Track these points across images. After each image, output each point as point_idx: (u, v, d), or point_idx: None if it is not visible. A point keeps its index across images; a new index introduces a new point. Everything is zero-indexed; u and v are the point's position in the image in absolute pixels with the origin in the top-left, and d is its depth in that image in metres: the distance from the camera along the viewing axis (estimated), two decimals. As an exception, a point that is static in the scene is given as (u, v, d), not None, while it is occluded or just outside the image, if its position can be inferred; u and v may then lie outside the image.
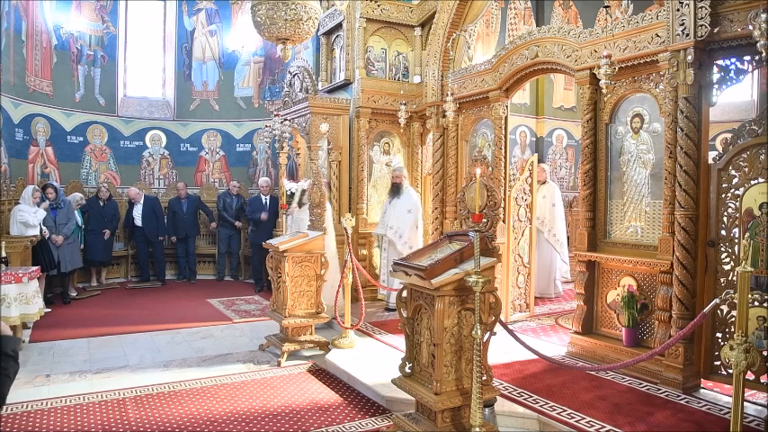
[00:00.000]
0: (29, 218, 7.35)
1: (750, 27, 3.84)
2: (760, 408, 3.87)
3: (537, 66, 5.77)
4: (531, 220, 6.85)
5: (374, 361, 5.17)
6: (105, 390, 4.66)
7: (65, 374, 5.02)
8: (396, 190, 7.19)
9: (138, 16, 11.24)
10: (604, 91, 4.82)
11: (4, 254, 5.62)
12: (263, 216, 9.20)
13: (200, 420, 4.11)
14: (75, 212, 8.94)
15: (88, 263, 9.34)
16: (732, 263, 4.18)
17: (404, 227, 7.01)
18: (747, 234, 4.03)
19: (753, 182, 4.06)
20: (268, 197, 9.39)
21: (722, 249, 4.25)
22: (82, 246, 8.95)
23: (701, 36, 4.10)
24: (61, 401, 4.42)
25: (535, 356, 3.84)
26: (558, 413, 3.85)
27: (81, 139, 10.43)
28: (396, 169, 7.35)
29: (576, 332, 5.23)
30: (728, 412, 3.62)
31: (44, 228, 7.61)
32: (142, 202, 9.81)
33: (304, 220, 6.32)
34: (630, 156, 4.96)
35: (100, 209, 9.33)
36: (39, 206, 7.66)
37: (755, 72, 6.06)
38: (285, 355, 5.43)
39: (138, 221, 9.79)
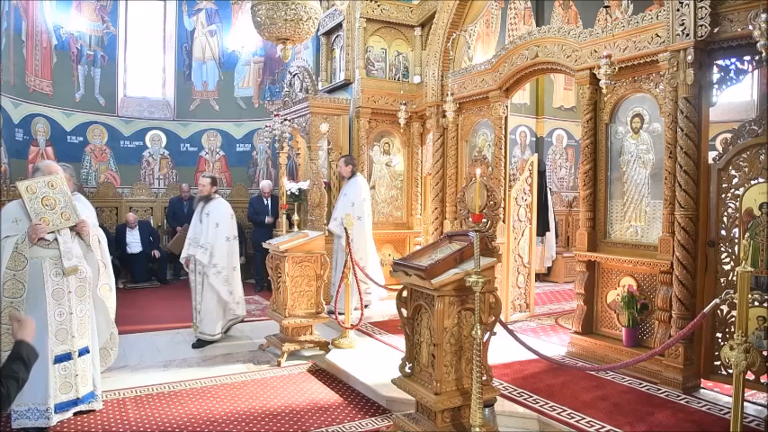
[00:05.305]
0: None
1: (750, 27, 3.84)
2: (760, 408, 3.87)
3: (537, 66, 5.77)
4: (531, 220, 6.86)
5: (374, 361, 5.17)
6: (105, 390, 4.64)
7: (65, 374, 5.00)
8: None
9: (138, 16, 11.25)
10: (604, 91, 4.82)
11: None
12: (269, 220, 9.25)
13: (200, 420, 4.11)
14: None
15: None
16: (732, 263, 4.18)
17: None
18: (747, 234, 4.02)
19: (753, 182, 4.06)
20: (269, 199, 9.40)
21: (722, 249, 4.25)
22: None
23: (701, 36, 4.10)
24: (61, 401, 4.42)
25: (535, 356, 3.84)
26: (558, 413, 3.85)
27: (81, 139, 10.44)
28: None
29: (576, 332, 5.23)
30: (728, 412, 3.62)
31: None
32: (137, 229, 9.74)
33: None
34: (630, 156, 4.96)
35: None
36: None
37: (755, 72, 6.05)
38: (285, 355, 5.43)
39: (136, 247, 9.66)
